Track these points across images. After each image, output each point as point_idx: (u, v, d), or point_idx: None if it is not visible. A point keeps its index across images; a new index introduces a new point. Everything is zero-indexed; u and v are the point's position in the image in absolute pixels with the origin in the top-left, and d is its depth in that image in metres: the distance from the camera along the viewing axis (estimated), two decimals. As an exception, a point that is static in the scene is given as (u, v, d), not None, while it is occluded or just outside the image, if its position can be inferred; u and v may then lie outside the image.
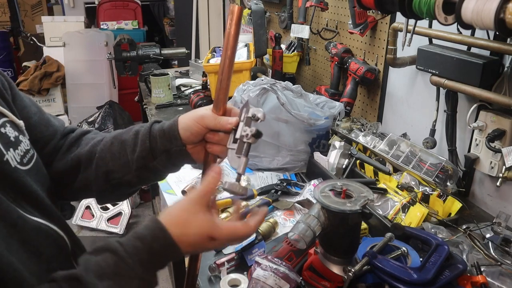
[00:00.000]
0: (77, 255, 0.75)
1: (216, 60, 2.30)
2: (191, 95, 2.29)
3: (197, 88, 2.58)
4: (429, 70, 1.35)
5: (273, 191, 1.37)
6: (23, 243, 0.64)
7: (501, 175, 1.19)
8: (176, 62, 5.21)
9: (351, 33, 1.84)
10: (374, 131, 1.65)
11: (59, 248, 0.72)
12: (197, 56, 4.36)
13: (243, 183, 0.74)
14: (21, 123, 0.75)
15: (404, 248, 0.98)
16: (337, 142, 1.48)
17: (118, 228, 3.08)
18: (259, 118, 0.72)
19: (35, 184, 0.72)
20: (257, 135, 0.71)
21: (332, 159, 1.46)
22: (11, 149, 0.69)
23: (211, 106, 0.78)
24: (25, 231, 0.65)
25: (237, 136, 0.72)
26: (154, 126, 0.81)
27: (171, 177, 1.51)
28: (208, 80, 2.31)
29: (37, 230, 0.68)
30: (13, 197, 0.66)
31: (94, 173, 0.83)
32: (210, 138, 0.77)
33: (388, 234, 0.99)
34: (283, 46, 2.41)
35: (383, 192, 1.28)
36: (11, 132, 0.71)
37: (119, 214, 3.12)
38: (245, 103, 0.76)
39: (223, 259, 1.05)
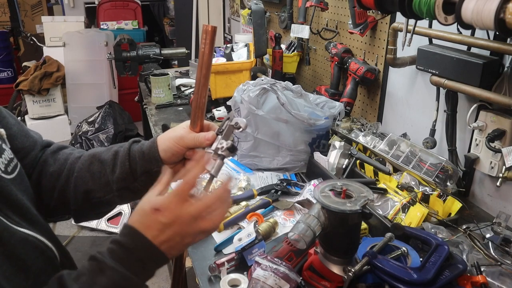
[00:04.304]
0: (66, 267, 0.73)
1: (216, 60, 2.30)
2: (191, 95, 2.29)
3: (197, 88, 2.58)
4: (429, 70, 1.35)
5: (273, 191, 1.37)
6: (9, 257, 0.61)
7: (501, 175, 1.19)
8: (176, 62, 5.21)
9: (351, 33, 1.84)
10: (374, 131, 1.65)
11: (47, 261, 0.69)
12: (197, 56, 4.36)
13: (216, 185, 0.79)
14: (2, 131, 0.73)
15: (404, 248, 0.98)
16: (337, 142, 1.48)
17: (118, 228, 3.07)
18: (240, 126, 0.76)
19: (20, 193, 0.70)
20: (232, 149, 0.75)
21: (332, 159, 1.45)
22: None
23: (187, 123, 0.80)
24: (11, 244, 0.62)
25: (213, 148, 0.76)
26: (133, 146, 0.82)
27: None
28: (208, 80, 2.31)
29: (24, 242, 0.65)
30: None
31: (72, 192, 0.82)
32: (189, 155, 0.79)
33: (388, 234, 0.99)
34: (283, 46, 2.41)
35: (383, 192, 1.28)
36: None
37: (119, 214, 3.12)
38: (230, 113, 0.79)
39: (223, 259, 1.05)
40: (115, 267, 0.62)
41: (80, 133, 3.84)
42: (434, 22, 1.20)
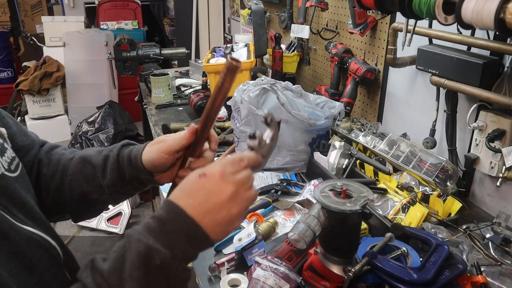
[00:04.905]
0: (69, 265, 0.74)
1: (216, 60, 2.30)
2: (191, 95, 2.29)
3: (197, 88, 2.59)
4: (429, 70, 1.35)
5: (273, 191, 1.37)
6: (14, 255, 0.61)
7: (501, 175, 1.19)
8: (176, 62, 5.21)
9: (351, 33, 1.84)
10: (374, 131, 1.65)
11: (51, 259, 0.70)
12: (197, 56, 4.36)
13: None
14: (3, 130, 0.74)
15: (404, 248, 0.98)
16: (337, 142, 1.48)
17: (118, 228, 3.08)
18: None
19: (24, 192, 0.70)
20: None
21: (332, 159, 1.45)
22: None
23: (175, 135, 0.79)
24: (16, 242, 0.62)
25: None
26: (122, 152, 0.83)
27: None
28: (208, 80, 2.31)
29: (29, 240, 0.65)
30: (4, 205, 0.64)
31: (68, 195, 0.84)
32: (182, 175, 0.78)
33: (388, 234, 0.99)
34: (283, 46, 2.41)
35: (383, 192, 1.28)
36: None
37: (119, 214, 3.12)
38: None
39: (223, 259, 1.05)
40: (141, 238, 0.58)
41: (80, 133, 3.84)
42: (434, 22, 1.20)
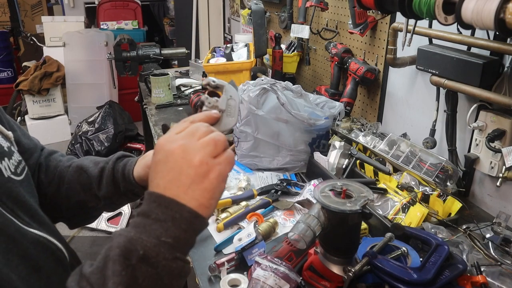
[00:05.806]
0: (75, 267, 0.75)
1: (216, 60, 2.30)
2: (191, 95, 2.29)
3: (197, 88, 2.59)
4: (429, 70, 1.35)
5: (273, 191, 1.37)
6: (23, 257, 0.61)
7: (501, 175, 1.19)
8: (176, 62, 5.22)
9: (351, 33, 1.84)
10: (374, 131, 1.65)
11: (57, 261, 0.70)
12: (197, 56, 4.36)
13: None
14: (10, 134, 0.75)
15: (404, 248, 0.98)
16: (337, 142, 1.48)
17: (118, 228, 3.08)
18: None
19: (28, 195, 0.71)
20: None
21: (332, 159, 1.45)
22: (6, 159, 0.69)
23: None
24: (24, 244, 0.63)
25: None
26: (117, 166, 0.84)
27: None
28: (208, 80, 2.31)
29: (35, 243, 0.66)
30: (10, 208, 0.64)
31: (65, 202, 0.86)
32: None
33: (388, 234, 0.99)
34: (283, 46, 2.41)
35: (383, 192, 1.28)
36: (3, 143, 0.70)
37: (119, 214, 3.12)
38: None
39: (223, 259, 1.05)
40: (122, 233, 0.55)
41: (80, 133, 3.83)
42: (434, 22, 1.20)
